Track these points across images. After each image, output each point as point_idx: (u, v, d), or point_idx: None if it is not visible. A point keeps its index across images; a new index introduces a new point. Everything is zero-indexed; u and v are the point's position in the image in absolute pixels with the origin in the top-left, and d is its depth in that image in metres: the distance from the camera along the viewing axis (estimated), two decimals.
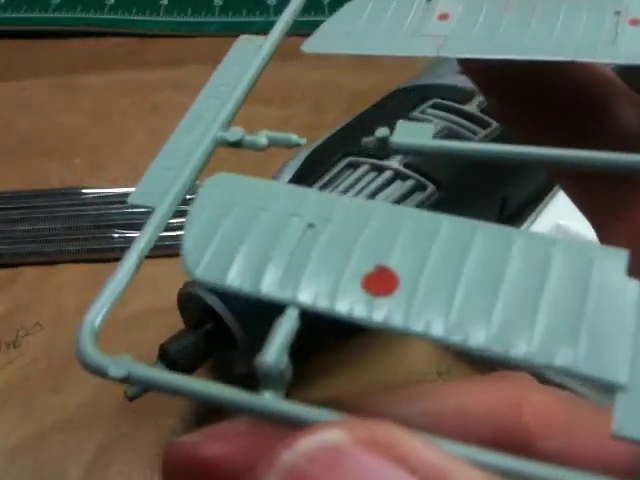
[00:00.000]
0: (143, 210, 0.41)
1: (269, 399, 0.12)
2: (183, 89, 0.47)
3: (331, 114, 0.48)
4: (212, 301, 0.32)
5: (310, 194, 0.14)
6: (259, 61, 0.18)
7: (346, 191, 0.35)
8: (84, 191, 0.44)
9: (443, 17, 0.18)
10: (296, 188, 0.15)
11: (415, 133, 0.16)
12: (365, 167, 0.35)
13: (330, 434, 0.11)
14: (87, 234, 0.42)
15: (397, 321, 0.12)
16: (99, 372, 0.13)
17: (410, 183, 0.35)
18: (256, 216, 0.14)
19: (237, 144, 0.16)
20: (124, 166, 0.46)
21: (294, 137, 0.16)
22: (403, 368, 0.35)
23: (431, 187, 0.35)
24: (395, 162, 0.35)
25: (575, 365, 0.12)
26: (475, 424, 0.16)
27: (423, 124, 0.16)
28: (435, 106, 0.39)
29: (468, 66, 0.21)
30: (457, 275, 0.13)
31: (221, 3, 0.59)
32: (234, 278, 0.13)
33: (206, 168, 0.16)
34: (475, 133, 0.37)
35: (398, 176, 0.35)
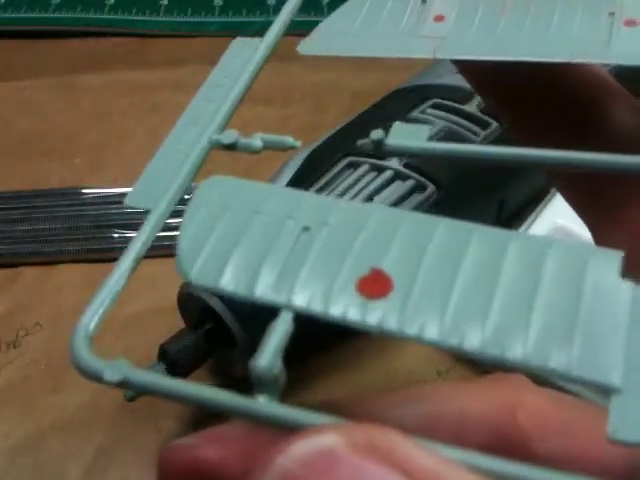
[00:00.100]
0: (143, 210, 0.41)
1: (263, 403, 0.12)
2: (183, 89, 0.47)
3: (331, 114, 0.48)
4: (212, 301, 0.32)
5: (305, 197, 0.14)
6: (255, 63, 0.18)
7: (346, 191, 0.35)
8: (84, 191, 0.44)
9: (439, 19, 0.18)
10: (291, 191, 0.15)
11: (410, 135, 0.16)
12: (365, 167, 0.35)
13: (325, 438, 0.11)
14: (87, 234, 0.41)
15: (391, 324, 0.12)
16: (94, 377, 0.13)
17: (410, 183, 0.35)
18: (251, 219, 0.14)
19: (232, 147, 0.16)
20: (124, 166, 0.46)
21: (289, 140, 0.16)
22: (402, 369, 0.35)
23: (431, 187, 0.35)
24: (395, 162, 0.35)
25: (569, 368, 0.12)
26: (471, 426, 0.16)
27: (419, 126, 0.16)
28: (435, 106, 0.39)
29: (464, 67, 0.21)
30: (452, 278, 0.13)
31: (221, 3, 0.59)
32: (228, 281, 0.13)
33: (202, 171, 0.16)
34: (475, 133, 0.37)
35: (398, 176, 0.35)
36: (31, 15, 0.57)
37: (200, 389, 0.13)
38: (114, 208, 0.43)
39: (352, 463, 0.11)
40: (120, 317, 0.36)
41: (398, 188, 0.35)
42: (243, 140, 0.16)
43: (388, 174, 0.35)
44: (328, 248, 0.13)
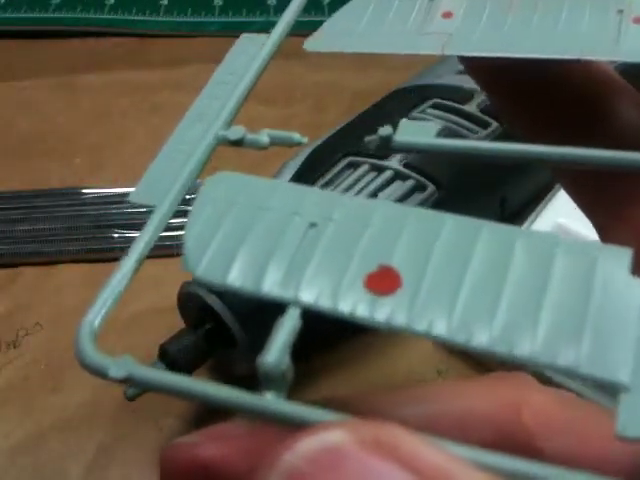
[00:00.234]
0: (143, 210, 0.41)
1: (270, 400, 0.12)
2: (183, 89, 0.47)
3: (332, 114, 0.48)
4: (212, 300, 0.32)
5: (312, 193, 0.14)
6: (261, 60, 0.18)
7: (346, 191, 0.35)
8: (84, 191, 0.44)
9: (447, 15, 0.18)
10: (298, 187, 0.15)
11: (418, 132, 0.16)
12: (365, 167, 0.35)
13: (331, 435, 0.11)
14: (87, 234, 0.41)
15: (400, 321, 0.12)
16: (99, 373, 0.13)
17: (410, 183, 0.35)
18: (258, 215, 0.14)
19: (239, 143, 0.16)
20: (124, 166, 0.45)
21: (296, 136, 0.16)
22: (403, 367, 0.35)
23: (431, 187, 0.35)
24: (395, 162, 0.35)
25: (578, 365, 0.12)
26: (476, 425, 0.16)
27: (426, 123, 0.16)
28: (435, 106, 0.39)
29: (470, 64, 0.21)
30: (460, 274, 0.13)
31: (221, 3, 0.59)
32: (235, 277, 0.13)
33: (208, 167, 0.16)
34: (475, 133, 0.37)
35: (398, 176, 0.35)
36: (31, 15, 0.57)
37: (206, 386, 0.12)
38: (114, 208, 0.43)
39: (359, 460, 0.11)
40: (121, 317, 0.36)
41: (398, 188, 0.35)
42: (250, 136, 0.16)
43: (388, 174, 0.35)
44: (335, 244, 0.13)
